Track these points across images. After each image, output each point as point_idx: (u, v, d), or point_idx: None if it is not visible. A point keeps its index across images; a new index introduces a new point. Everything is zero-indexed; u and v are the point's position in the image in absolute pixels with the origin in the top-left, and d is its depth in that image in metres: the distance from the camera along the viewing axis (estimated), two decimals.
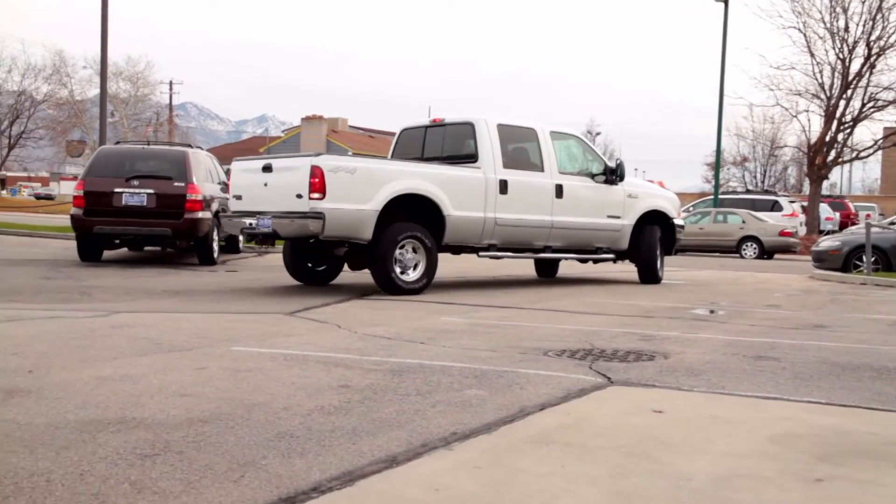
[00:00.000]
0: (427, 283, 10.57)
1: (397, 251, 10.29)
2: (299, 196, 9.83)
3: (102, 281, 11.51)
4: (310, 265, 11.59)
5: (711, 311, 9.56)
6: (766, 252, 27.18)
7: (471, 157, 11.41)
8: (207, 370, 5.18)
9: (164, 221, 13.87)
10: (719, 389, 4.96)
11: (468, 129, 11.56)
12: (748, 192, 40.60)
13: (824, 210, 37.28)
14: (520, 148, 11.86)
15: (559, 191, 11.81)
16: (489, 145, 11.31)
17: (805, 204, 34.62)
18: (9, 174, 75.49)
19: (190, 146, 15.52)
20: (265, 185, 10.45)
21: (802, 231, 31.94)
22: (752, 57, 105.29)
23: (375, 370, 5.31)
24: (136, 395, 4.44)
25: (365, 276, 12.43)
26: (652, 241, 12.85)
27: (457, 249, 11.50)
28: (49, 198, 62.12)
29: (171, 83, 64.54)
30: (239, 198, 10.94)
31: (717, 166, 37.09)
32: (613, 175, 12.39)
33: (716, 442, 3.76)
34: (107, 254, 15.57)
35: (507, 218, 11.29)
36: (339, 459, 3.37)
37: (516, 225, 11.42)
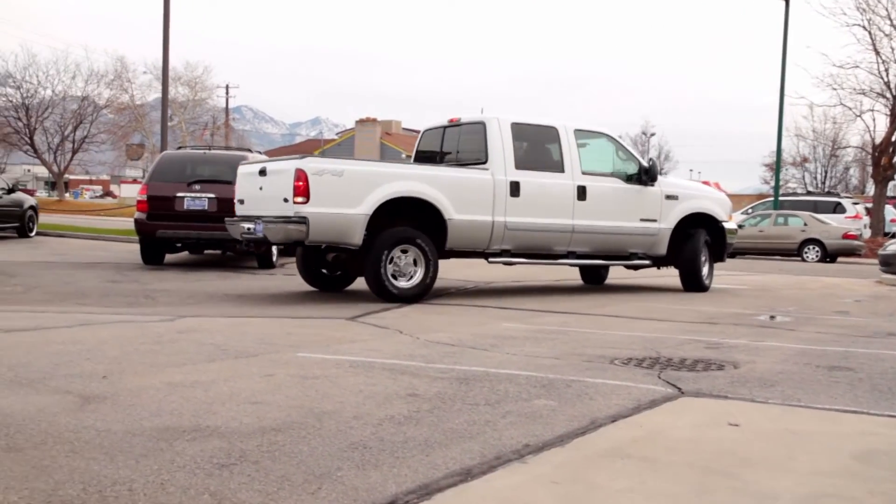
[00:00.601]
0: (425, 290, 10.07)
1: (392, 256, 9.87)
2: (286, 200, 9.60)
3: (166, 284, 11.70)
4: (324, 271, 11.25)
5: (776, 318, 9.36)
6: (828, 255, 26.60)
7: (482, 159, 10.83)
8: (275, 377, 5.21)
9: (224, 225, 14.02)
10: (795, 402, 4.84)
11: (480, 128, 10.94)
12: (809, 193, 39.78)
13: (889, 212, 36.35)
14: (538, 148, 11.23)
15: (582, 192, 11.07)
16: (500, 145, 10.68)
17: (869, 206, 33.80)
18: (71, 177, 77.33)
19: (249, 150, 15.71)
20: (260, 188, 10.26)
21: (867, 234, 31.20)
22: (813, 55, 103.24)
23: (442, 378, 5.29)
24: (208, 402, 4.48)
25: None
26: (694, 246, 11.94)
27: (464, 255, 10.84)
28: (110, 195, 63.30)
29: (227, 87, 65.50)
30: (241, 202, 10.76)
31: (777, 167, 36.42)
32: (647, 176, 11.59)
33: (797, 459, 3.66)
34: (168, 257, 15.82)
35: (519, 222, 10.64)
36: (414, 472, 3.36)
37: (531, 229, 10.75)
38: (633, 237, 11.58)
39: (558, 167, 11.06)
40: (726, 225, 12.44)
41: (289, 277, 13.43)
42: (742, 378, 5.54)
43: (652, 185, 11.66)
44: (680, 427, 4.20)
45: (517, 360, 6.03)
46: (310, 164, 9.63)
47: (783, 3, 32.57)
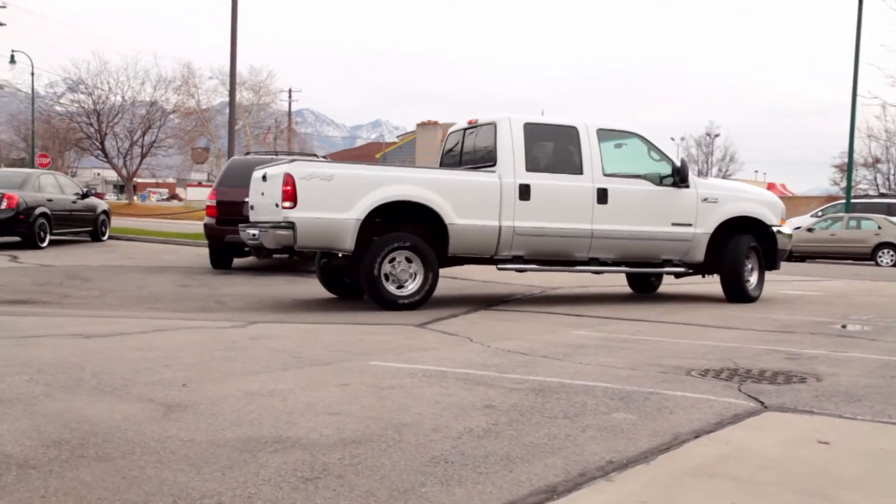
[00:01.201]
0: (424, 298, 9.74)
1: (387, 263, 9.62)
2: (277, 205, 9.53)
3: (235, 289, 11.86)
4: (346, 280, 10.97)
5: (852, 327, 9.09)
6: None
7: (492, 160, 10.43)
8: (351, 387, 5.22)
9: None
10: (886, 418, 4.68)
11: (491, 129, 10.55)
12: (882, 195, 38.70)
13: None
14: (554, 149, 10.68)
15: (602, 195, 10.47)
16: (510, 147, 10.23)
17: None
18: (139, 181, 79.10)
19: (315, 155, 15.84)
20: (262, 194, 10.23)
21: None
22: (887, 54, 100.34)
23: (517, 389, 5.24)
24: (287, 412, 4.51)
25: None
26: (736, 252, 11.08)
27: (471, 261, 10.48)
28: (176, 198, 64.45)
29: (290, 91, 66.32)
30: (252, 208, 10.71)
31: (849, 169, 35.51)
32: (678, 177, 10.84)
33: None
34: (236, 261, 16.05)
35: (529, 227, 10.16)
36: (498, 489, 3.32)
37: (543, 234, 10.25)
38: (665, 242, 10.87)
39: (576, 169, 10.48)
40: (778, 229, 11.55)
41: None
42: (826, 392, 5.38)
43: (686, 188, 10.90)
44: (768, 444, 4.08)
45: (592, 371, 5.95)
46: (298, 169, 9.53)
47: (856, 1, 31.75)
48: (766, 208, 11.52)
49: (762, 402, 5.01)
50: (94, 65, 65.43)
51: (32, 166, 43.46)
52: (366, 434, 4.10)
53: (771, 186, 65.59)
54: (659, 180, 10.87)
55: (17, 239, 18.38)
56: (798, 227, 25.92)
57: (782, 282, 14.97)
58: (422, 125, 58.50)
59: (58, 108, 55.23)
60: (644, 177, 10.84)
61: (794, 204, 39.86)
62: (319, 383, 5.30)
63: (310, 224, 9.36)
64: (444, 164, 11.67)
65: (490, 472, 3.52)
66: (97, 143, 48.31)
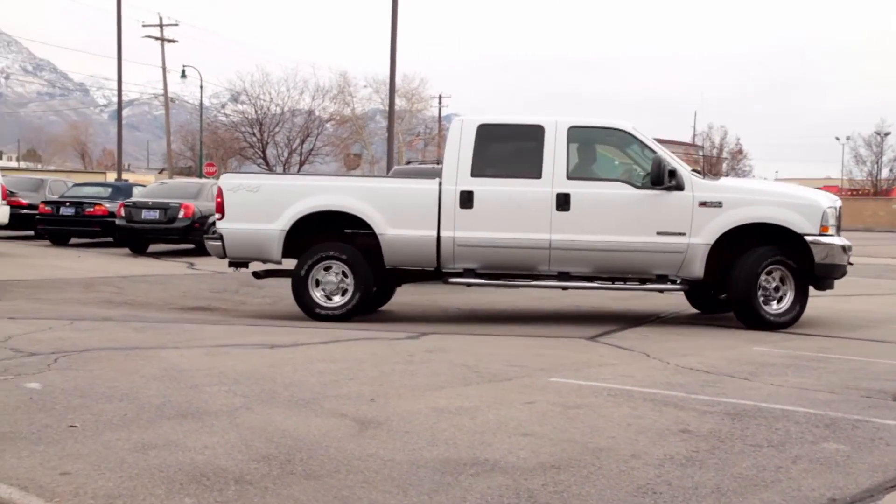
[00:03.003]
0: (353, 309, 9.29)
1: (319, 274, 9.33)
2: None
3: (400, 297, 12.01)
4: None
5: None
6: None
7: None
8: (537, 405, 5.16)
9: None
10: None
11: (449, 133, 9.83)
12: None
13: None
14: (512, 152, 9.70)
15: (563, 201, 9.13)
16: (455, 150, 9.38)
17: None
18: None
19: (439, 162, 15.89)
20: None
21: None
22: None
23: (710, 412, 5.04)
24: (479, 431, 4.49)
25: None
26: (748, 266, 9.07)
27: (414, 275, 9.78)
28: None
29: (440, 97, 67.20)
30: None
31: None
32: (672, 179, 9.12)
33: None
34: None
35: (472, 237, 9.20)
36: None
37: (490, 245, 9.24)
38: (649, 255, 9.17)
39: (534, 172, 9.28)
40: (813, 239, 9.08)
41: (519, 292, 13.45)
42: None
43: (677, 190, 9.14)
44: None
45: (786, 394, 5.65)
46: (227, 180, 9.60)
47: None
48: (795, 212, 9.16)
49: None
50: (257, 77, 68.44)
51: (200, 175, 45.86)
52: (563, 458, 4.02)
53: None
54: (640, 182, 9.31)
55: (191, 246, 19.37)
56: None
57: None
58: None
59: (222, 118, 58.09)
60: (622, 180, 9.37)
61: None
62: (504, 401, 5.27)
63: (236, 235, 9.38)
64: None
65: None
66: (259, 152, 50.52)
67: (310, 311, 9.34)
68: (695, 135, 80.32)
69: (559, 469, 3.85)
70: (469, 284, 9.60)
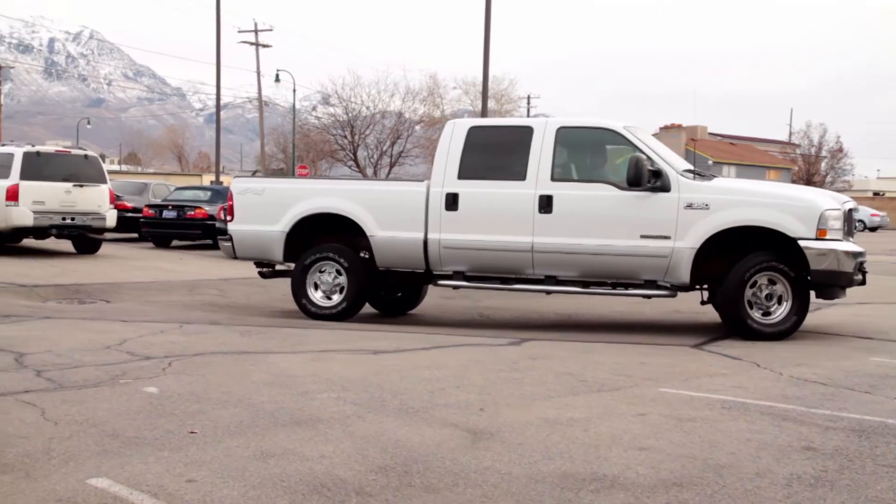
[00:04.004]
0: (348, 309, 9.44)
1: (316, 274, 9.53)
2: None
3: (495, 301, 11.98)
4: (382, 293, 10.59)
5: None
6: None
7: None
8: (648, 417, 5.05)
9: None
10: None
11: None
12: None
13: None
14: (499, 154, 9.47)
15: (545, 203, 8.93)
16: (445, 153, 9.36)
17: None
18: None
19: None
20: None
21: None
22: None
23: (833, 428, 4.85)
24: (593, 445, 4.41)
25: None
26: (736, 271, 8.51)
27: (406, 276, 9.70)
28: None
29: (528, 98, 66.93)
30: None
31: None
32: (656, 179, 8.68)
33: None
34: None
35: (457, 239, 9.16)
36: None
37: (474, 247, 9.16)
38: (633, 259, 8.80)
39: (519, 174, 9.11)
40: (808, 244, 8.33)
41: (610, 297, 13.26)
42: None
43: (663, 191, 8.71)
44: None
45: None
46: (237, 184, 10.04)
47: None
48: (788, 215, 8.46)
49: None
50: (349, 80, 69.41)
51: (292, 176, 46.75)
52: (684, 475, 3.92)
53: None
54: (619, 184, 8.88)
55: None
56: None
57: None
58: (665, 128, 57.02)
59: (312, 120, 59.05)
60: (607, 181, 9.04)
61: None
62: (615, 412, 5.18)
63: (243, 236, 9.79)
64: None
65: None
66: (350, 154, 51.15)
67: (306, 311, 9.57)
68: (790, 133, 78.03)
69: (681, 487, 3.75)
70: (456, 287, 9.63)
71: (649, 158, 8.77)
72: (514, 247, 9.04)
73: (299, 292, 9.58)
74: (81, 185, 16.00)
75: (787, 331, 8.51)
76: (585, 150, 9.54)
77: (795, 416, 5.13)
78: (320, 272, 9.57)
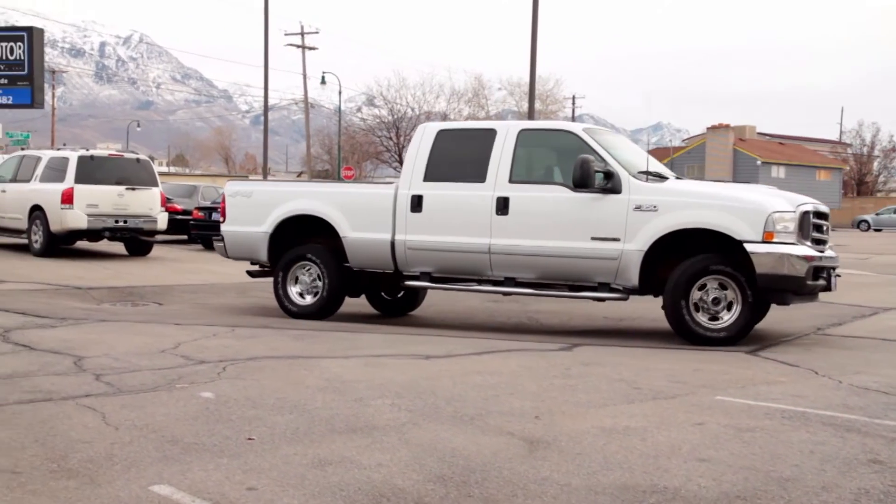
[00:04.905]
0: (323, 308, 9.71)
1: (296, 275, 9.88)
2: None
3: (544, 305, 11.91)
4: (383, 294, 10.86)
5: None
6: None
7: None
8: (707, 427, 4.98)
9: None
10: None
11: None
12: None
13: None
14: (463, 156, 9.46)
15: (502, 205, 8.95)
16: (413, 156, 9.59)
17: None
18: None
19: None
20: None
21: None
22: None
23: None
24: (652, 455, 4.36)
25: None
26: (679, 275, 8.29)
27: (379, 277, 9.87)
28: None
29: (573, 98, 66.59)
30: None
31: None
32: (607, 181, 8.56)
33: None
34: None
35: (420, 241, 9.30)
36: None
37: (436, 249, 9.26)
38: (584, 261, 8.71)
39: (480, 176, 9.16)
40: (754, 248, 8.02)
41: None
42: None
43: (614, 193, 8.57)
44: None
45: None
46: (230, 187, 10.56)
47: None
48: (734, 216, 8.20)
49: None
50: (394, 81, 69.71)
51: (338, 178, 47.02)
52: (747, 488, 3.85)
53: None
54: (573, 185, 8.71)
55: None
56: None
57: None
58: (712, 128, 56.21)
59: (357, 122, 59.40)
60: (562, 183, 8.93)
61: None
62: (672, 421, 5.11)
63: (233, 237, 10.27)
64: None
65: None
66: (396, 155, 51.38)
67: (286, 310, 9.88)
68: (841, 132, 76.59)
69: (745, 500, 3.69)
70: (423, 288, 9.95)
71: (602, 160, 8.69)
72: (473, 248, 9.13)
73: (280, 292, 9.94)
74: (134, 189, 16.26)
75: (735, 336, 8.25)
76: (545, 153, 9.60)
77: (859, 427, 5.02)
78: (300, 272, 9.90)
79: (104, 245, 17.62)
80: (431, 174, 9.42)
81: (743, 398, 5.81)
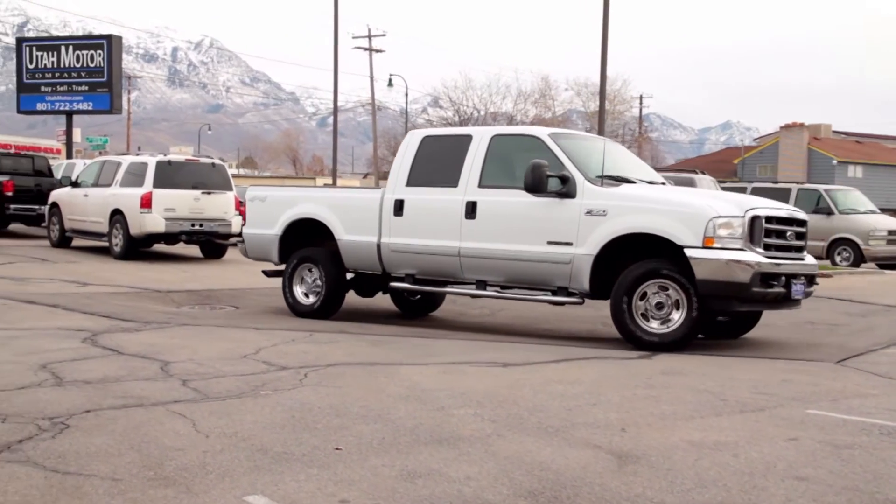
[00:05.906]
0: (322, 308, 10.09)
1: (302, 275, 10.35)
2: None
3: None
4: (405, 294, 10.97)
5: None
6: None
7: None
8: (802, 442, 4.84)
9: None
10: None
11: None
12: None
13: None
14: (443, 161, 9.62)
15: (471, 209, 9.14)
16: (399, 161, 9.96)
17: None
18: None
19: (695, 171, 15.40)
20: None
21: None
22: None
23: None
24: (747, 472, 4.25)
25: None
26: (622, 280, 8.25)
27: (371, 279, 10.29)
28: None
29: (640, 97, 65.77)
30: None
31: None
32: (563, 186, 8.59)
33: None
34: None
35: (401, 243, 9.65)
36: None
37: (414, 251, 9.57)
38: (541, 265, 8.77)
39: (453, 181, 9.43)
40: (694, 254, 7.88)
41: None
42: None
43: (568, 197, 8.58)
44: None
45: None
46: (249, 192, 11.10)
47: None
48: (676, 221, 8.11)
49: None
50: (460, 82, 69.75)
51: None
52: None
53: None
54: (531, 189, 8.71)
55: None
56: None
57: None
58: (786, 128, 54.80)
59: (423, 123, 59.62)
60: (519, 186, 8.85)
61: None
62: (764, 436, 4.98)
63: (251, 238, 10.91)
64: None
65: None
66: None
67: (293, 309, 10.36)
68: None
69: None
70: (406, 290, 10.22)
71: (561, 164, 8.71)
72: (445, 251, 9.40)
73: (286, 291, 10.43)
74: (209, 193, 16.58)
75: (679, 341, 8.10)
76: (513, 158, 9.50)
77: None
78: (304, 273, 10.36)
79: (180, 248, 17.98)
80: (414, 179, 9.78)
81: (836, 412, 5.65)
